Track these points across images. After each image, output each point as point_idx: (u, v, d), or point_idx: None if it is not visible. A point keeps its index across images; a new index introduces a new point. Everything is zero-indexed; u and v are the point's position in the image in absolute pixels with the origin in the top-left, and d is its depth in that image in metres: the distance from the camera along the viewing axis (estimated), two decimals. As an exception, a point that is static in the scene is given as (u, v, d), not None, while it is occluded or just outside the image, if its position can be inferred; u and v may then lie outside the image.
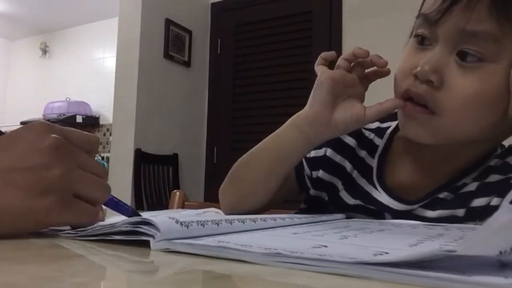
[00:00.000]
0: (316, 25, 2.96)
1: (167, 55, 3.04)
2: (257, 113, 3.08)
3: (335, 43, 2.87)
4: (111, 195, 0.42)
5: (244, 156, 0.62)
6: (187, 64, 3.23)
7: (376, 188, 0.61)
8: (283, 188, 0.61)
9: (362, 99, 0.57)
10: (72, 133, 0.39)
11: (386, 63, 0.54)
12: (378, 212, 0.60)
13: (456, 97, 0.49)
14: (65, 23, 4.61)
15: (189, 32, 3.24)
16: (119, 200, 0.45)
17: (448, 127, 0.51)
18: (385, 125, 0.67)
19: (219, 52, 3.38)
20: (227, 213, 0.61)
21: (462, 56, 0.49)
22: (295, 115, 0.58)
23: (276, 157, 0.58)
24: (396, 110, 0.55)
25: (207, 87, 3.39)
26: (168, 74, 3.06)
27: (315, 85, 0.56)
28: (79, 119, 4.12)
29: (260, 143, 0.60)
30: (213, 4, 3.44)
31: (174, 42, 3.10)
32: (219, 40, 3.39)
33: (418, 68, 0.50)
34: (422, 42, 0.53)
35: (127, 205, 0.45)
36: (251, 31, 3.24)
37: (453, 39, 0.49)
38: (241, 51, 3.26)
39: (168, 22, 3.05)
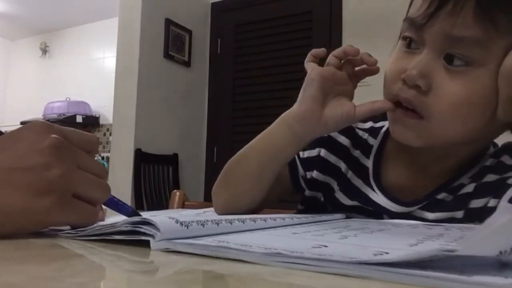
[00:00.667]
0: (316, 25, 2.96)
1: (167, 55, 3.04)
2: (257, 113, 3.07)
3: (335, 43, 2.86)
4: (111, 195, 0.42)
5: (235, 155, 0.62)
6: (187, 64, 3.23)
7: (373, 189, 0.61)
8: (276, 187, 0.61)
9: (351, 97, 0.56)
10: (72, 133, 0.39)
11: (376, 62, 0.54)
12: (376, 213, 0.60)
13: (444, 101, 0.49)
14: (65, 23, 4.61)
15: (189, 32, 3.24)
16: (119, 200, 0.45)
17: (437, 131, 0.51)
18: (378, 124, 0.66)
19: (219, 52, 3.38)
20: (220, 214, 0.60)
21: (449, 60, 0.49)
22: (285, 113, 0.57)
23: (266, 156, 0.58)
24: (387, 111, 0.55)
25: (207, 87, 3.39)
26: (168, 74, 3.06)
27: (305, 82, 0.55)
28: (79, 119, 4.12)
29: (251, 142, 0.60)
30: (213, 4, 3.44)
31: (174, 42, 3.11)
32: (219, 40, 3.39)
33: (406, 73, 0.50)
34: (409, 45, 0.53)
35: (127, 205, 0.45)
36: (251, 31, 3.24)
37: (439, 44, 0.49)
38: (241, 51, 3.26)
39: (168, 22, 3.05)
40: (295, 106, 0.56)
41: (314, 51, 0.58)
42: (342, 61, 0.56)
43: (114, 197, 0.44)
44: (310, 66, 0.56)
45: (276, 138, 0.58)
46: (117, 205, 0.44)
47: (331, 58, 0.56)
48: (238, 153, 0.61)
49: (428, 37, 0.50)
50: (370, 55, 0.55)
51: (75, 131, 0.40)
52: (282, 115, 0.58)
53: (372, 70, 0.56)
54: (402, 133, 0.54)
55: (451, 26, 0.47)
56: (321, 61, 0.57)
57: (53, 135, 0.36)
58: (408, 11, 0.54)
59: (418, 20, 0.50)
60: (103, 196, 0.40)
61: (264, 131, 0.60)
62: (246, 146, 0.61)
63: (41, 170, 0.34)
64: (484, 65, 0.48)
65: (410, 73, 0.50)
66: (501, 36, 0.46)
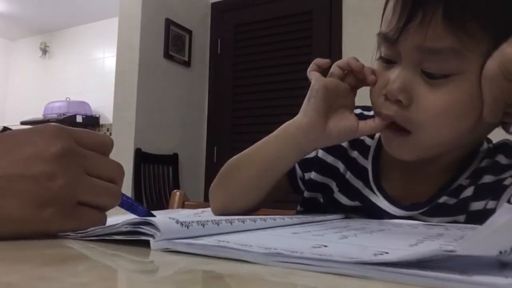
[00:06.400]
0: (316, 25, 2.96)
1: (167, 55, 3.04)
2: (257, 113, 3.08)
3: (335, 43, 2.87)
4: (126, 196, 0.42)
5: (234, 158, 0.61)
6: (187, 64, 3.23)
7: (374, 192, 0.61)
8: (274, 189, 0.61)
9: (352, 109, 0.57)
10: (85, 136, 0.38)
11: (376, 81, 0.54)
12: (377, 216, 0.60)
13: (427, 113, 0.49)
14: (65, 23, 4.61)
15: (189, 32, 3.24)
16: (133, 201, 0.45)
17: (425, 143, 0.52)
18: None
19: (219, 52, 3.38)
20: (217, 215, 0.60)
21: (427, 71, 0.49)
22: (288, 123, 0.57)
23: (265, 164, 0.58)
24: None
25: (207, 87, 3.40)
26: (168, 74, 3.07)
27: (309, 93, 0.55)
28: (79, 119, 4.12)
29: (252, 147, 0.60)
30: (213, 4, 3.44)
31: (174, 42, 3.11)
32: (219, 40, 3.39)
33: (387, 88, 0.51)
34: (387, 59, 0.53)
35: (141, 205, 0.45)
36: (251, 31, 3.24)
37: (414, 57, 0.49)
38: (241, 51, 3.26)
39: (168, 22, 3.05)
40: (299, 116, 0.56)
41: (318, 60, 0.58)
42: (345, 72, 0.57)
43: (129, 198, 0.44)
44: (314, 75, 0.56)
45: (277, 147, 0.57)
46: (131, 207, 0.44)
47: (335, 68, 0.56)
48: (237, 156, 0.61)
49: (402, 51, 0.50)
50: (373, 72, 0.55)
51: (89, 133, 0.39)
52: (285, 124, 0.58)
53: (371, 82, 0.56)
54: (396, 151, 0.55)
55: (423, 39, 0.47)
56: (324, 70, 0.57)
57: (61, 141, 0.34)
58: (381, 25, 0.54)
59: (390, 35, 0.50)
60: (112, 202, 0.39)
61: (265, 139, 0.59)
62: (246, 151, 0.60)
63: (44, 179, 0.33)
64: (463, 72, 0.47)
65: (390, 89, 0.50)
66: (478, 43, 0.46)
